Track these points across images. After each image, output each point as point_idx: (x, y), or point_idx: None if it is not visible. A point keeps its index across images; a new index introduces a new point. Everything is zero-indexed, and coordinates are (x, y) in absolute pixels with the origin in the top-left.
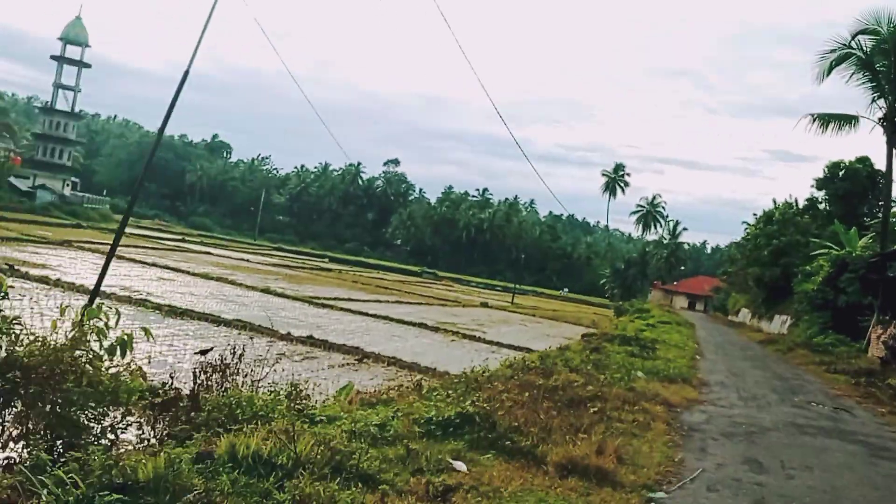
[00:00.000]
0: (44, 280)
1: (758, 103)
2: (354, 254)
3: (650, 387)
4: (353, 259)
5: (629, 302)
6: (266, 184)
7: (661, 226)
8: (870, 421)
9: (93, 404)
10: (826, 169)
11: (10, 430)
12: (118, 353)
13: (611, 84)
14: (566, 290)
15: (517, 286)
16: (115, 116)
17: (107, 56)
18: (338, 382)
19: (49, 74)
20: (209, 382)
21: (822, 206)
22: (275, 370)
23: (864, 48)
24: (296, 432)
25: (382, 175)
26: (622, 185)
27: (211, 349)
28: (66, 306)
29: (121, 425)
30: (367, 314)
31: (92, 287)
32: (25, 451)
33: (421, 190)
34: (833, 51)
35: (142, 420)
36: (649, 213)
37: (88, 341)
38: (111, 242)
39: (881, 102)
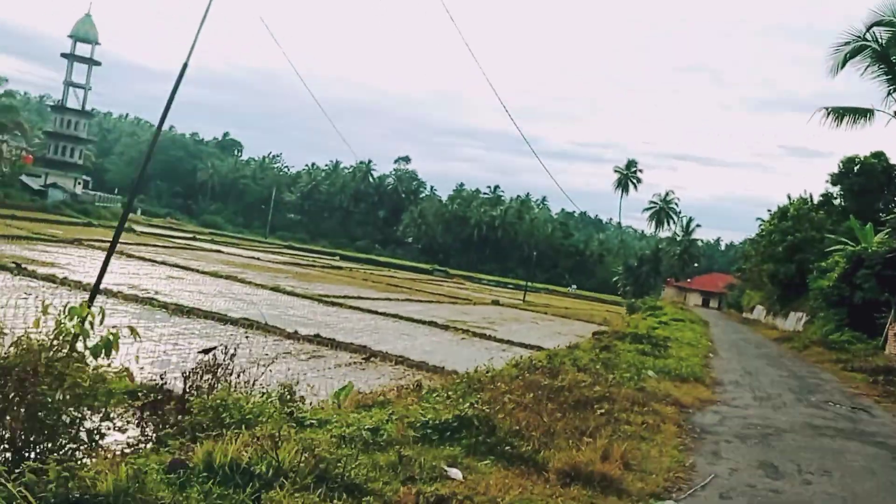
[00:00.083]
0: (50, 278)
1: (772, 99)
2: (365, 252)
3: (661, 387)
4: (364, 257)
5: (642, 299)
6: (277, 182)
7: (674, 223)
8: (890, 421)
9: (68, 407)
10: (841, 164)
11: None
12: (102, 353)
13: (625, 81)
14: (574, 286)
15: (529, 284)
16: (127, 115)
17: (119, 55)
18: (343, 382)
19: (61, 73)
20: (200, 384)
21: (837, 202)
22: (271, 370)
23: (880, 40)
24: (280, 438)
25: (393, 172)
26: (635, 181)
27: (214, 348)
28: (48, 304)
29: (101, 429)
30: (376, 312)
31: (101, 286)
32: None
33: (432, 187)
34: (847, 43)
35: (122, 423)
36: (662, 210)
37: (70, 341)
38: (121, 240)
39: None
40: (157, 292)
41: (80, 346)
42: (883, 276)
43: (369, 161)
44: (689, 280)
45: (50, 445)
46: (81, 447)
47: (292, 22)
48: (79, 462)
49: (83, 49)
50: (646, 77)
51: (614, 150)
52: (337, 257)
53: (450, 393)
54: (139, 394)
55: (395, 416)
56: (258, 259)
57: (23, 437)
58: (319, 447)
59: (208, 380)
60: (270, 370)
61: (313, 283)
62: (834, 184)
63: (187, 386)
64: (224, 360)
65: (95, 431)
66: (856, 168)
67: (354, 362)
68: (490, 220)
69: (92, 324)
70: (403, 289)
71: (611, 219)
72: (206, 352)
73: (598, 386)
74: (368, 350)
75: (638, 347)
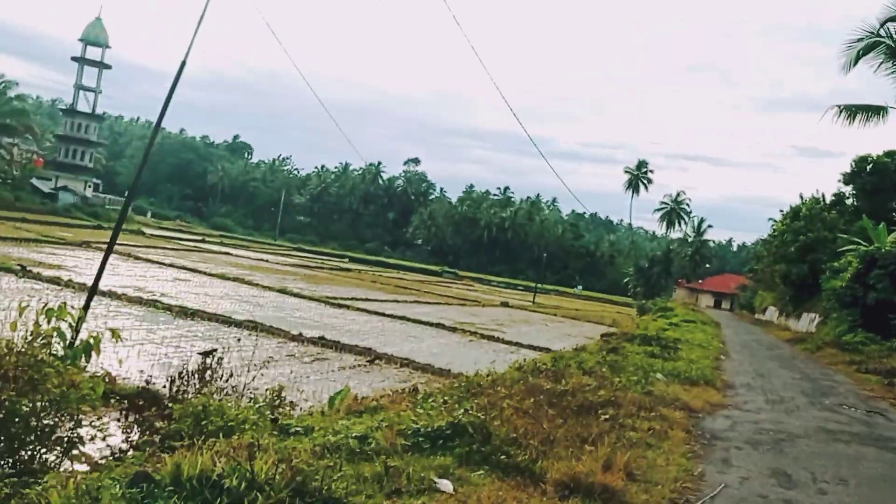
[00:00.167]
0: (55, 281)
1: (782, 98)
2: (375, 254)
3: (670, 390)
4: (374, 259)
5: (652, 301)
6: (287, 184)
7: (685, 223)
8: None
9: (38, 414)
10: (853, 163)
11: None
12: (82, 356)
13: (633, 81)
14: (580, 287)
15: (539, 285)
16: (138, 118)
17: (130, 59)
18: (346, 384)
19: (73, 77)
20: (186, 388)
21: (849, 202)
22: (272, 374)
23: (894, 36)
24: (259, 447)
25: (403, 174)
26: (645, 182)
27: (214, 350)
28: (26, 306)
29: (73, 437)
30: (383, 314)
31: (103, 288)
32: None
33: (442, 189)
34: (860, 39)
35: (109, 429)
36: (673, 211)
37: (47, 343)
38: (128, 243)
39: None
40: (162, 294)
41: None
42: None
43: (379, 163)
44: (700, 281)
45: (19, 456)
46: (53, 457)
47: (303, 24)
48: (41, 474)
49: (94, 53)
50: (654, 77)
51: (624, 150)
52: (346, 259)
53: (446, 398)
54: (111, 400)
55: (385, 423)
56: (267, 261)
57: None
58: (298, 458)
59: (195, 384)
60: (271, 373)
61: (321, 285)
62: (846, 183)
63: (172, 391)
64: (211, 363)
65: (67, 440)
66: (868, 167)
67: (359, 365)
68: (500, 222)
69: (72, 326)
70: (412, 290)
71: (621, 220)
72: (206, 354)
73: (603, 390)
74: (373, 352)
75: (647, 349)
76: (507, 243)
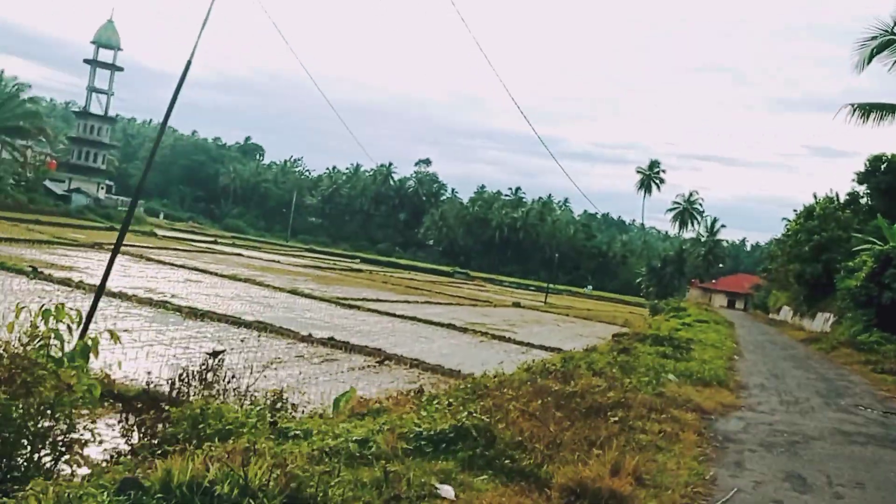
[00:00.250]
0: (66, 282)
1: (796, 99)
2: (386, 254)
3: (682, 391)
4: (385, 260)
5: (665, 300)
6: (298, 185)
7: (698, 223)
8: None
9: (35, 418)
10: (867, 162)
11: None
12: (79, 358)
13: (647, 81)
14: (590, 287)
15: (550, 285)
16: (151, 120)
17: (143, 62)
18: (355, 385)
19: (86, 79)
20: (188, 390)
21: (863, 201)
22: (279, 375)
23: None
24: (255, 452)
25: (414, 175)
26: (657, 182)
27: (223, 351)
28: (23, 307)
29: (68, 440)
30: (394, 315)
31: (114, 289)
32: None
33: (453, 190)
34: (874, 38)
35: (88, 434)
36: (686, 211)
37: (45, 345)
38: (140, 244)
39: None
40: (173, 295)
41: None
42: None
43: (390, 164)
44: (714, 281)
45: (13, 461)
46: (49, 461)
47: (315, 26)
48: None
49: (106, 55)
50: (667, 78)
51: (636, 151)
52: (357, 260)
53: (451, 400)
54: (110, 402)
55: (387, 426)
56: (278, 262)
57: None
58: (294, 463)
59: (196, 386)
60: (280, 375)
61: (332, 286)
62: (860, 182)
63: (172, 392)
64: (213, 365)
65: (62, 444)
66: (883, 166)
67: (368, 366)
68: (511, 222)
69: (70, 327)
70: (423, 291)
71: (634, 220)
72: (214, 355)
73: (612, 391)
74: (383, 353)
75: (658, 350)
76: (519, 244)
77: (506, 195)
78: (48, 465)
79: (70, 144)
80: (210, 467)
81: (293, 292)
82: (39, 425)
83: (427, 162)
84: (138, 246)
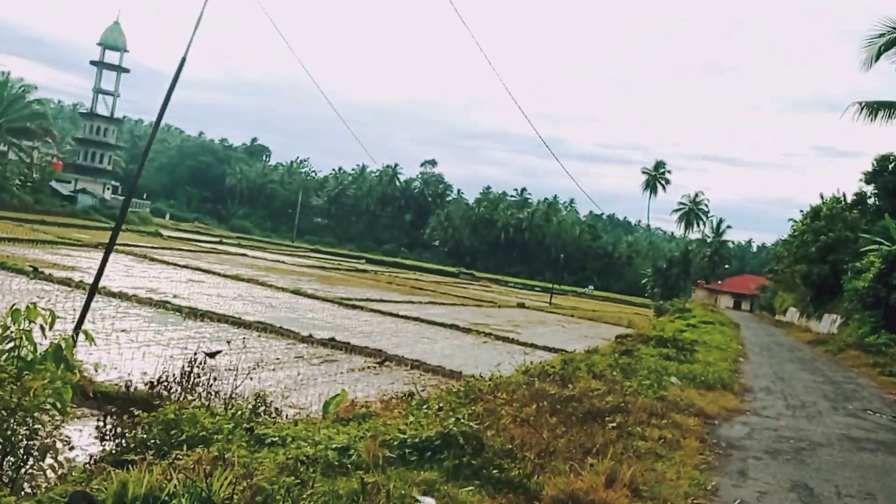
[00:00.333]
0: (66, 282)
1: (803, 99)
2: (392, 255)
3: (684, 395)
4: (390, 260)
5: (670, 301)
6: (304, 186)
7: (703, 224)
8: None
9: None
10: (875, 162)
11: None
12: (51, 360)
13: (651, 81)
14: (591, 287)
15: (555, 286)
16: None
17: (150, 63)
18: (354, 387)
19: (93, 81)
20: (167, 393)
21: (871, 201)
22: (261, 378)
23: None
24: (225, 461)
25: (420, 176)
26: (663, 182)
27: (219, 352)
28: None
29: (30, 448)
30: (397, 315)
31: (115, 289)
32: None
33: (459, 191)
34: (882, 35)
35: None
36: (692, 211)
37: (18, 346)
38: (144, 244)
39: None
40: (174, 296)
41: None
42: None
43: (396, 165)
44: (719, 282)
45: None
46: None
47: (323, 28)
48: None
49: (113, 57)
50: (672, 78)
51: (642, 152)
52: (363, 261)
53: (442, 404)
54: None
55: (370, 433)
56: (283, 262)
57: None
58: (264, 474)
59: (177, 389)
60: (278, 376)
61: (336, 286)
62: (868, 182)
63: (151, 396)
64: (196, 367)
65: (23, 452)
66: (890, 166)
67: (368, 367)
68: (517, 223)
69: (43, 328)
70: (427, 292)
71: (639, 221)
72: (211, 355)
73: (612, 395)
74: (384, 354)
75: (662, 352)
76: (525, 244)
77: (511, 196)
78: (8, 474)
79: (76, 145)
80: (172, 478)
81: (296, 292)
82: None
83: (433, 163)
84: (142, 246)
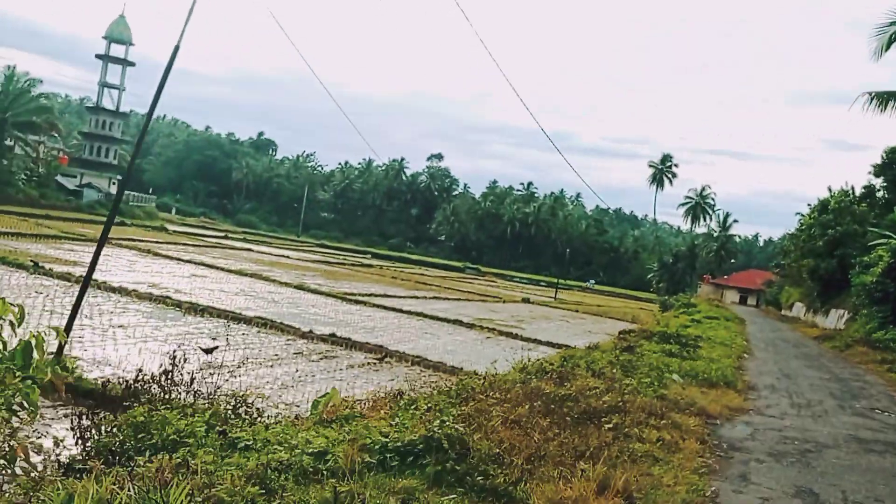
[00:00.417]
0: (66, 277)
1: (811, 92)
2: (398, 250)
3: (686, 393)
4: (396, 255)
5: (675, 296)
6: (310, 181)
7: (710, 218)
8: None
9: None
10: (884, 154)
11: None
12: (19, 358)
13: (659, 74)
14: (593, 281)
15: (561, 281)
16: (164, 116)
17: (157, 58)
18: (353, 383)
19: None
20: (149, 391)
21: (880, 194)
22: (266, 373)
23: None
24: (188, 468)
25: (426, 170)
26: (670, 176)
27: (216, 347)
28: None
29: None
30: (400, 311)
31: (115, 284)
32: None
33: (465, 185)
34: (892, 24)
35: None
36: (698, 205)
37: None
38: (149, 239)
39: None
40: (176, 290)
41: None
42: None
43: (402, 159)
44: (725, 277)
45: None
46: None
47: (328, 22)
48: None
49: (118, 50)
50: (678, 71)
51: (649, 146)
52: (368, 255)
53: (430, 404)
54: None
55: (351, 436)
56: (288, 257)
57: None
58: (228, 482)
59: (156, 388)
60: (275, 372)
61: (340, 281)
62: (877, 175)
63: (128, 395)
64: (177, 365)
65: None
66: None
67: (368, 363)
68: (523, 218)
69: (13, 324)
70: (432, 287)
71: (646, 215)
72: (208, 351)
73: (610, 394)
74: (385, 350)
75: (664, 348)
76: (531, 239)
77: (518, 190)
78: None
79: (82, 140)
80: (129, 489)
81: (299, 287)
82: None
83: (439, 157)
84: (147, 241)
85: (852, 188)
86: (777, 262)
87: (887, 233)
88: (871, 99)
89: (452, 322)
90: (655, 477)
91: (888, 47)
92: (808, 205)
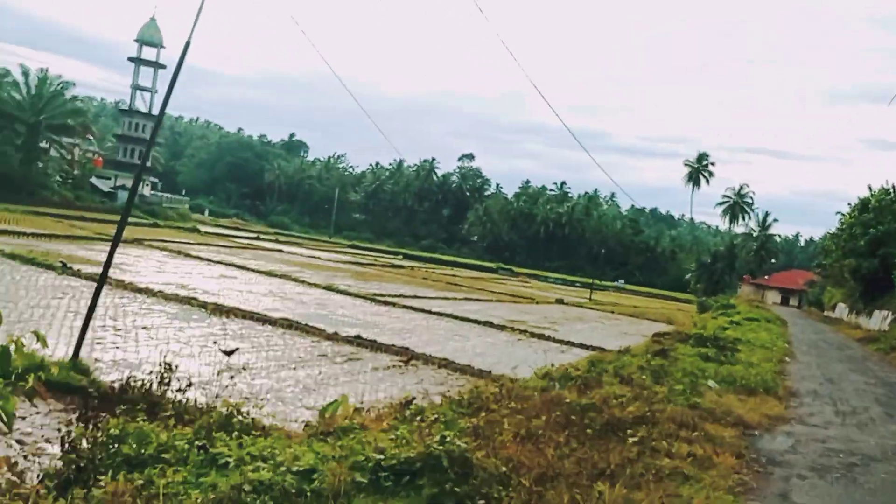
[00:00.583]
0: (93, 278)
1: (851, 91)
2: (430, 251)
3: (722, 401)
4: (428, 256)
5: (714, 297)
6: (342, 182)
7: (749, 217)
8: None
9: None
10: None
11: None
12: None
13: (698, 73)
14: (621, 280)
15: (596, 281)
16: (198, 118)
17: (191, 61)
18: (377, 386)
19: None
20: (142, 396)
21: None
22: (289, 376)
23: None
24: (151, 491)
25: (457, 170)
26: (706, 175)
27: (237, 349)
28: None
29: None
30: (430, 312)
31: (140, 285)
32: None
33: (498, 185)
34: None
35: None
36: (736, 204)
37: None
38: (181, 240)
39: None
40: (204, 291)
41: None
42: None
43: (433, 159)
44: (766, 277)
45: None
46: None
47: (360, 23)
48: None
49: (149, 53)
50: (718, 70)
51: (687, 145)
52: (400, 256)
53: (439, 415)
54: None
55: (343, 452)
56: (319, 258)
57: None
58: None
59: (147, 393)
60: (298, 375)
61: (370, 282)
62: None
63: (121, 402)
64: (171, 368)
65: None
66: None
67: (394, 365)
68: (557, 217)
69: None
70: (463, 288)
71: (683, 215)
72: (228, 353)
73: (637, 403)
74: (411, 352)
75: (701, 351)
76: (565, 239)
77: (551, 190)
78: None
79: (116, 142)
80: None
81: (328, 288)
82: None
83: (470, 157)
84: (179, 242)
85: (893, 187)
86: (818, 261)
87: None
88: None
89: (483, 324)
90: (684, 498)
91: None
92: (849, 204)
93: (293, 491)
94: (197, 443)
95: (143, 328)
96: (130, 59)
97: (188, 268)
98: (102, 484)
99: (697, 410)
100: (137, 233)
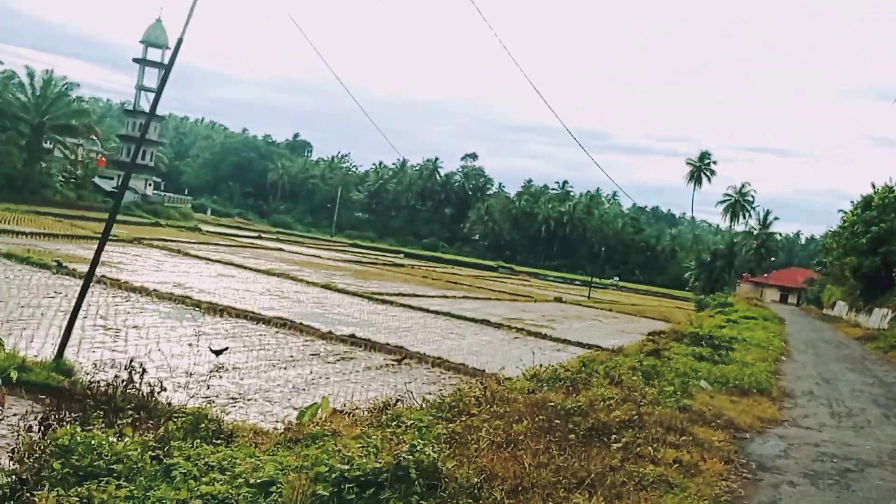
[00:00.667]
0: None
1: (855, 89)
2: (431, 249)
3: (713, 403)
4: (429, 254)
5: (712, 295)
6: (345, 181)
7: (750, 215)
8: None
9: None
10: None
11: None
12: None
13: (698, 73)
14: (617, 279)
15: (595, 280)
16: (202, 119)
17: (195, 62)
18: (368, 386)
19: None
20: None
21: None
22: (279, 376)
23: None
24: None
25: (460, 170)
26: (708, 173)
27: (226, 349)
28: None
29: None
30: (427, 310)
31: (135, 284)
32: None
33: (500, 184)
34: None
35: None
36: (737, 203)
37: None
38: (182, 239)
39: None
40: (199, 290)
41: None
42: None
43: (436, 159)
44: (766, 275)
45: None
46: None
47: (364, 24)
48: None
49: (155, 54)
50: (718, 69)
51: (688, 144)
52: (401, 255)
53: (415, 419)
54: None
55: (307, 462)
56: (319, 257)
57: None
58: None
59: (113, 393)
60: (288, 375)
61: (369, 281)
62: None
63: (86, 404)
64: (138, 368)
65: None
66: None
67: (386, 364)
68: (558, 216)
69: None
70: (462, 286)
71: (684, 213)
72: (217, 352)
73: (625, 406)
74: (405, 351)
75: (695, 351)
76: (566, 238)
77: (553, 189)
78: None
79: (120, 142)
80: None
81: (326, 287)
82: None
83: (473, 156)
84: (179, 241)
85: None
86: (819, 259)
87: None
88: None
89: (480, 322)
90: None
91: None
92: (851, 202)
93: None
94: (151, 453)
95: (135, 327)
96: (135, 61)
97: (186, 267)
98: (36, 500)
99: (687, 413)
100: (138, 232)
